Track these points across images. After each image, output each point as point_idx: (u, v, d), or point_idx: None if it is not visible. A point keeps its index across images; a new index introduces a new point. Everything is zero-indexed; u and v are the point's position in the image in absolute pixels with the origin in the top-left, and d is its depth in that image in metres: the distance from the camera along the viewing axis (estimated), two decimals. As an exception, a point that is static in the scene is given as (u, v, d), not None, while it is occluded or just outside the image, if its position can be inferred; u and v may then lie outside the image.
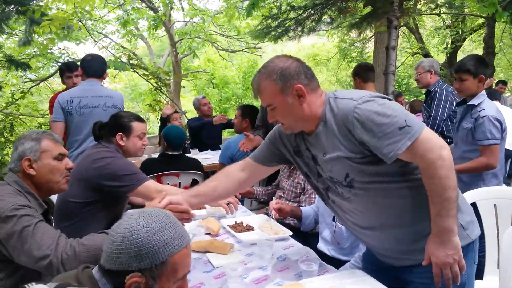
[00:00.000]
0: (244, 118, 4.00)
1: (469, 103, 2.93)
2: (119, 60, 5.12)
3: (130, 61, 5.50)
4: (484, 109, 2.83)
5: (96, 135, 2.66)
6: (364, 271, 1.77)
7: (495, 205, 2.37)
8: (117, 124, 2.55)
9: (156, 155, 4.52)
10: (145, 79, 6.17)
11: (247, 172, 1.91)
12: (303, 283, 1.67)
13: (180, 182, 3.42)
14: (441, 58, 16.16)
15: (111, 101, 3.48)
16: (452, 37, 13.60)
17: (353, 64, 16.38)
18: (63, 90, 3.99)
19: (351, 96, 1.54)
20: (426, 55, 14.23)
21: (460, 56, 17.51)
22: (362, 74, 3.80)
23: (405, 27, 14.66)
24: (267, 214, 2.79)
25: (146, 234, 1.14)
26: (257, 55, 12.75)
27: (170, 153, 3.48)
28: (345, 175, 1.57)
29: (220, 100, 17.74)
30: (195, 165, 3.55)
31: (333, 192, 1.66)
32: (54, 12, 5.54)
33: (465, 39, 14.27)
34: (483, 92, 2.96)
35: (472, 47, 16.33)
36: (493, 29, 8.77)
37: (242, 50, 12.69)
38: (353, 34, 15.86)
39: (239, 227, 2.37)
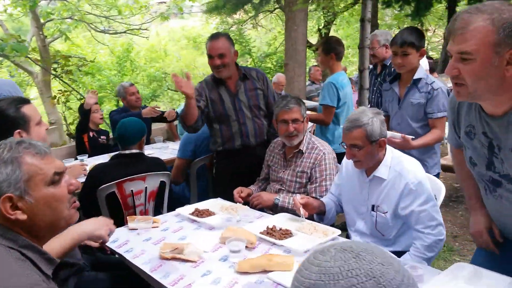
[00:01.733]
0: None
1: (415, 77, 2.72)
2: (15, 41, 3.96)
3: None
4: (434, 81, 2.70)
5: None
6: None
7: None
8: (5, 121, 1.83)
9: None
10: (40, 66, 5.01)
11: None
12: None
13: (146, 187, 2.82)
14: (315, 39, 17.17)
15: None
16: (329, 17, 14.42)
17: (236, 47, 16.34)
18: None
19: None
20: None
21: (334, 35, 18.77)
22: (338, 50, 3.47)
23: (279, 9, 15.13)
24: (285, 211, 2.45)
25: (398, 278, 0.74)
26: (144, 37, 11.72)
27: (127, 152, 2.84)
28: None
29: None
30: (159, 163, 2.97)
31: (507, 188, 1.43)
32: None
33: (335, 18, 15.31)
34: (421, 65, 2.79)
35: (344, 26, 17.64)
36: (376, 8, 9.50)
37: (125, 32, 11.51)
38: (237, 15, 15.88)
39: (275, 233, 1.99)
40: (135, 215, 2.80)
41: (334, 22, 15.95)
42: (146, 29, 11.02)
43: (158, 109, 4.30)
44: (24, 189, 1.15)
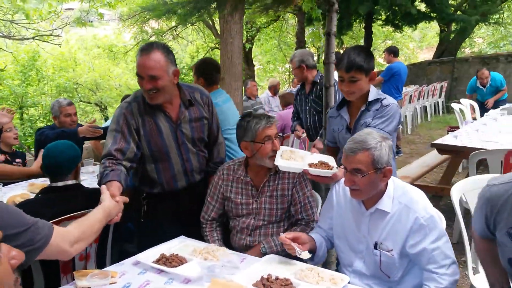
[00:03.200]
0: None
1: (370, 99, 2.36)
2: None
3: None
4: (386, 98, 2.39)
5: None
6: None
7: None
8: None
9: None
10: None
11: None
12: None
13: (87, 227, 2.27)
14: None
15: None
16: (252, 32, 14.44)
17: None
18: None
19: None
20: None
21: (257, 51, 19.00)
22: (207, 74, 3.14)
23: (201, 22, 14.87)
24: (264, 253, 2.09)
25: None
26: (56, 44, 10.58)
27: (61, 184, 2.28)
28: None
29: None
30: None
31: None
32: None
33: (258, 33, 15.44)
34: (371, 85, 2.40)
35: (263, 41, 17.85)
36: (303, 25, 9.66)
37: (33, 38, 10.27)
38: (154, 24, 15.26)
39: (274, 285, 1.62)
40: (73, 262, 2.26)
41: (257, 37, 16.06)
42: (58, 36, 9.96)
43: (96, 127, 3.62)
44: None
